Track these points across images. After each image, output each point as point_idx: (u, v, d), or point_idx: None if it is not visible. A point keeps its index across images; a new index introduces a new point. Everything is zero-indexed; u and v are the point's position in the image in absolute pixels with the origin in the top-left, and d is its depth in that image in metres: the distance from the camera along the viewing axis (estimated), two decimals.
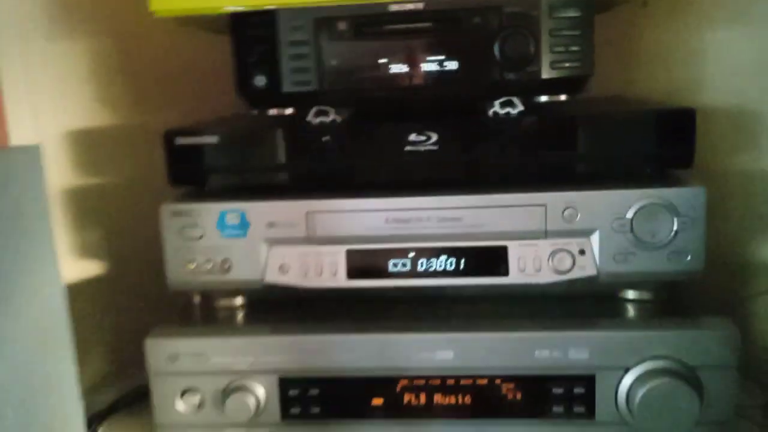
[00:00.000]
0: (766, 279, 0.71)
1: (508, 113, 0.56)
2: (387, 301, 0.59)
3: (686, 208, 0.53)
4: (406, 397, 0.54)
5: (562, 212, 0.54)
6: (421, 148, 0.56)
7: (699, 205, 0.53)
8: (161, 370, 0.55)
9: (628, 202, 0.53)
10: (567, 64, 0.55)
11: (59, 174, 0.72)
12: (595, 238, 0.54)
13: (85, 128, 0.73)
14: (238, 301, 0.61)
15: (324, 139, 0.57)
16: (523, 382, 0.53)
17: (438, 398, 0.54)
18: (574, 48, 0.55)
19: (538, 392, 0.53)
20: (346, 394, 0.55)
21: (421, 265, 0.56)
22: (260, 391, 0.54)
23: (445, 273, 0.56)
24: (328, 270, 0.56)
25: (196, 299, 0.63)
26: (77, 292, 0.65)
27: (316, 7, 0.55)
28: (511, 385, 0.53)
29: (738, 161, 0.71)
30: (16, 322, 0.41)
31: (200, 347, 0.54)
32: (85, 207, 0.74)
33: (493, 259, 0.55)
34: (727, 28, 0.71)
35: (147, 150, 0.68)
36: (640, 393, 0.50)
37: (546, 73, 0.56)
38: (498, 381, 0.53)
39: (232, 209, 0.56)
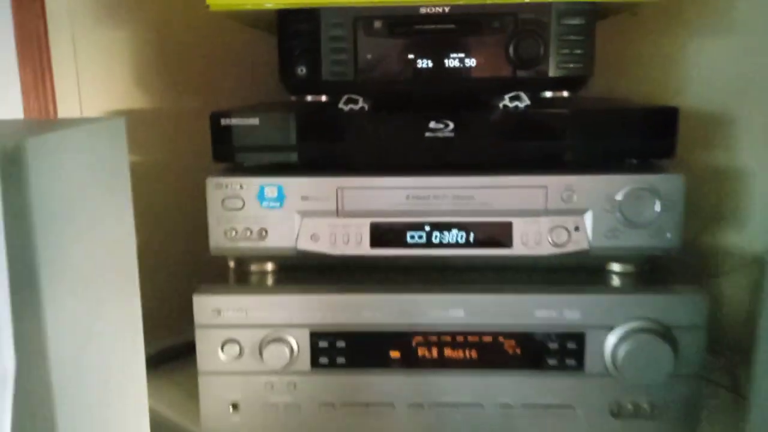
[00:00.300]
0: (732, 260, 0.76)
1: (516, 106, 0.62)
2: (405, 269, 0.64)
3: (668, 192, 0.58)
4: (420, 351, 0.60)
5: (561, 193, 0.59)
6: (440, 134, 0.61)
7: (678, 191, 0.58)
8: (206, 323, 0.60)
9: (617, 186, 0.59)
10: (571, 65, 0.61)
11: None
12: (588, 216, 0.60)
13: (126, 109, 0.78)
14: (269, 266, 0.66)
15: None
16: (522, 338, 0.59)
17: (448, 352, 0.60)
18: (578, 51, 0.61)
19: (535, 347, 0.59)
20: (367, 346, 0.60)
21: (436, 238, 0.61)
22: (293, 342, 0.60)
23: (457, 245, 0.61)
24: (354, 239, 0.61)
25: (231, 264, 0.68)
26: None
27: (356, 6, 0.61)
28: (512, 342, 0.59)
29: (713, 157, 0.76)
30: (101, 265, 0.47)
31: (242, 303, 0.60)
32: None
33: (499, 233, 0.61)
34: (708, 37, 0.75)
35: (185, 132, 0.73)
36: (624, 348, 0.57)
37: (552, 72, 0.61)
38: (501, 338, 0.59)
39: (271, 183, 0.61)
